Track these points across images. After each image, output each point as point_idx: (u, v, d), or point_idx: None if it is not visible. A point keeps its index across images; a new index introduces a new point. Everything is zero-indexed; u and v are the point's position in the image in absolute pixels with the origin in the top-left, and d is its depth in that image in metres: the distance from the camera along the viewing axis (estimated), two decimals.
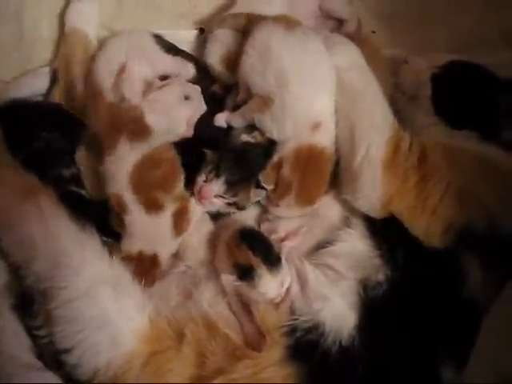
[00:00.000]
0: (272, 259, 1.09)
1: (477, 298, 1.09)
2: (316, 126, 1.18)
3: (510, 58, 1.40)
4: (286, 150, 1.20)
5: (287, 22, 1.23)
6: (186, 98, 1.26)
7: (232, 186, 1.20)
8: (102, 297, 1.04)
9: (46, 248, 1.04)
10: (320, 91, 1.18)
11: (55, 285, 1.02)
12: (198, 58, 1.41)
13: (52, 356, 1.07)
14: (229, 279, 1.09)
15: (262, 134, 1.24)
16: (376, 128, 1.15)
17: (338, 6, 1.40)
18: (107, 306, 1.04)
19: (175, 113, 1.24)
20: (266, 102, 1.19)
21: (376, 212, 1.16)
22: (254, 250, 1.08)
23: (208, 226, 1.25)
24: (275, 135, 1.22)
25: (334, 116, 1.20)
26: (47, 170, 1.23)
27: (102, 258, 1.08)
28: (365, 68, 1.21)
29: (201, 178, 1.21)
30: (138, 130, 1.20)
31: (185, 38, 1.49)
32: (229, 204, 1.22)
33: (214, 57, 1.35)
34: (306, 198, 1.20)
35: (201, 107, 1.28)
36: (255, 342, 1.03)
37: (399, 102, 1.32)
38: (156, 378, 1.03)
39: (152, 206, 1.19)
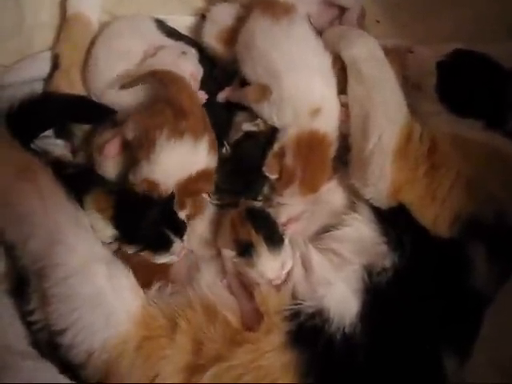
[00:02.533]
0: (274, 239, 1.07)
1: (482, 289, 1.08)
2: (316, 112, 1.18)
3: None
4: (287, 138, 1.19)
5: (275, 10, 1.23)
6: (183, 53, 1.29)
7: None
8: (96, 274, 1.03)
9: (42, 225, 1.03)
10: (314, 77, 1.20)
11: (50, 263, 1.01)
12: (200, 43, 1.41)
13: (47, 344, 1.05)
14: (229, 254, 1.08)
15: (265, 121, 1.24)
16: (389, 117, 1.15)
17: None
18: (102, 283, 1.02)
19: (179, 68, 1.24)
20: (264, 90, 1.20)
21: (382, 201, 1.15)
22: (256, 227, 1.07)
23: (210, 209, 1.24)
24: (276, 122, 1.21)
25: (336, 101, 1.22)
26: None
27: (95, 238, 1.08)
28: (383, 59, 1.22)
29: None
30: None
31: (187, 23, 1.49)
32: None
33: (209, 35, 1.36)
34: (310, 186, 1.20)
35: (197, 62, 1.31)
36: (252, 321, 1.02)
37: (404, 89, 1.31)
38: (150, 364, 1.01)
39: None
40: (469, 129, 1.20)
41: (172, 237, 1.10)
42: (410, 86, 1.31)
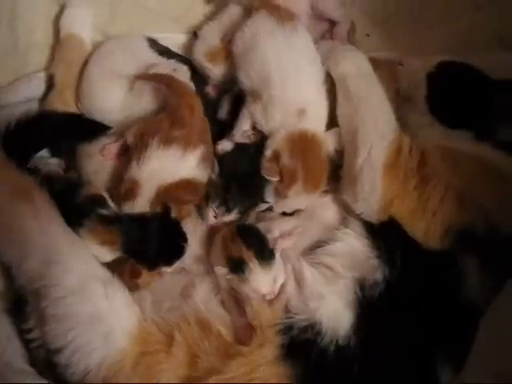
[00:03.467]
0: (265, 254, 1.09)
1: (475, 300, 1.08)
2: (301, 112, 1.20)
3: (502, 59, 1.41)
4: (277, 141, 1.21)
5: (281, 15, 1.26)
6: (174, 70, 1.34)
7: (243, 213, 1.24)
8: (93, 293, 1.03)
9: (38, 246, 1.05)
10: (302, 83, 1.22)
11: (47, 282, 1.02)
12: (191, 61, 1.42)
13: (44, 362, 1.06)
14: (221, 272, 1.09)
15: (254, 133, 1.27)
16: (379, 132, 1.16)
17: (330, 8, 1.41)
18: (98, 302, 1.03)
19: None
20: (255, 98, 1.23)
21: (373, 216, 1.16)
22: (247, 244, 1.09)
23: (202, 226, 1.25)
24: (264, 126, 1.24)
25: (324, 105, 1.24)
26: None
27: (93, 256, 1.09)
28: (371, 75, 1.24)
29: (211, 214, 1.21)
30: None
31: (179, 42, 1.50)
32: None
33: (199, 52, 1.38)
34: (313, 182, 1.20)
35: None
36: (244, 335, 1.03)
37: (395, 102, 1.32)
38: (147, 378, 1.02)
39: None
40: (459, 140, 1.21)
41: (181, 244, 1.15)
42: (400, 98, 1.32)
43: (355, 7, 1.51)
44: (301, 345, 1.06)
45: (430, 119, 1.28)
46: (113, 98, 1.33)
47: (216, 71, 1.37)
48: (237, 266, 1.07)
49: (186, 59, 1.44)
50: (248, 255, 1.07)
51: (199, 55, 1.38)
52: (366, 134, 1.16)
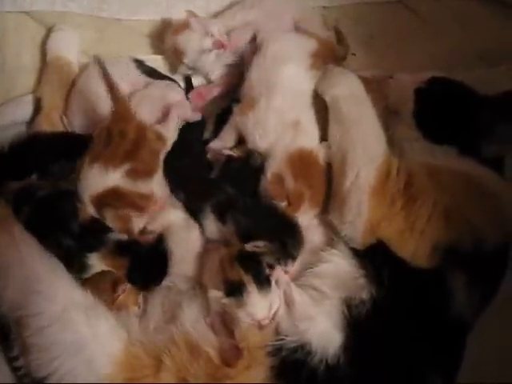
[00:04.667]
0: (263, 280, 1.08)
1: (463, 315, 1.09)
2: (296, 124, 1.24)
3: (485, 76, 1.42)
4: (277, 164, 1.23)
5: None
6: (169, 85, 1.40)
7: None
8: (75, 322, 1.02)
9: (19, 275, 1.04)
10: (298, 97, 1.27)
11: (28, 312, 1.01)
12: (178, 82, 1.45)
13: None
14: (216, 295, 1.08)
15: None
16: (368, 155, 1.17)
17: (313, 28, 1.42)
18: (81, 330, 1.02)
19: (167, 98, 1.35)
20: (251, 103, 1.27)
21: (358, 240, 1.15)
22: (245, 268, 1.08)
23: (195, 242, 1.22)
24: (257, 141, 1.26)
25: (314, 123, 1.27)
26: None
27: (73, 284, 1.08)
28: (363, 98, 1.24)
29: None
30: None
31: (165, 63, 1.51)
32: None
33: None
34: (318, 198, 1.22)
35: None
36: (230, 356, 1.03)
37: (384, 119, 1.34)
38: None
39: None
40: (444, 155, 1.22)
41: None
42: (388, 111, 1.33)
43: (341, 27, 1.53)
44: (291, 366, 1.06)
45: (417, 134, 1.28)
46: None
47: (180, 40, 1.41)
48: (235, 290, 1.06)
49: (171, 80, 1.45)
50: (247, 279, 1.07)
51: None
52: (355, 156, 1.16)
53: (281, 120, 1.25)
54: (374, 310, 1.09)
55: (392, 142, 1.24)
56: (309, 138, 1.25)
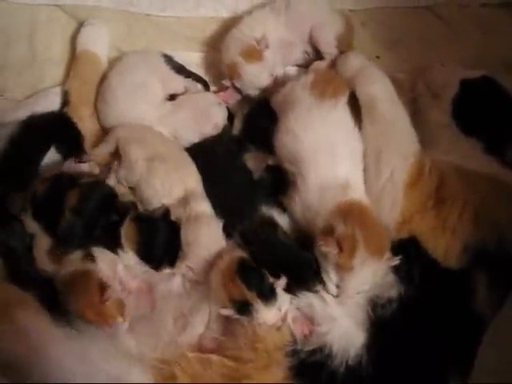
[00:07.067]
0: (266, 292, 1.08)
1: (483, 313, 1.10)
2: (345, 187, 1.18)
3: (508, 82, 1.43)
4: (325, 217, 1.15)
5: (324, 91, 1.24)
6: (219, 104, 1.40)
7: None
8: None
9: (35, 364, 0.99)
10: (338, 157, 1.20)
11: None
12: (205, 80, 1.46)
13: None
14: (227, 313, 1.09)
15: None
16: (402, 154, 1.20)
17: (324, 39, 1.41)
18: None
19: (208, 115, 1.37)
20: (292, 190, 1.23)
21: (391, 233, 1.16)
22: (248, 284, 1.08)
23: (218, 236, 1.22)
24: (299, 215, 1.22)
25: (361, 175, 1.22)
26: None
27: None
28: (396, 99, 1.27)
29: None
30: None
31: (192, 60, 1.52)
32: None
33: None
34: (377, 242, 1.11)
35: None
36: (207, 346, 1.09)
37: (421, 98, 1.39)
38: None
39: None
40: (469, 148, 1.25)
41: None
42: (427, 91, 1.38)
43: (366, 30, 1.55)
44: (311, 366, 1.07)
45: (449, 121, 1.31)
46: (140, 108, 1.37)
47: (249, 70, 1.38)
48: (243, 308, 1.07)
49: (200, 77, 1.47)
50: (251, 296, 1.07)
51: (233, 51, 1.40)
52: (390, 154, 1.20)
53: (325, 188, 1.18)
54: (399, 308, 1.10)
55: (423, 123, 1.28)
56: (358, 192, 1.19)
